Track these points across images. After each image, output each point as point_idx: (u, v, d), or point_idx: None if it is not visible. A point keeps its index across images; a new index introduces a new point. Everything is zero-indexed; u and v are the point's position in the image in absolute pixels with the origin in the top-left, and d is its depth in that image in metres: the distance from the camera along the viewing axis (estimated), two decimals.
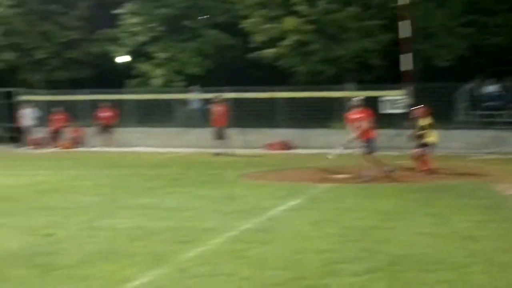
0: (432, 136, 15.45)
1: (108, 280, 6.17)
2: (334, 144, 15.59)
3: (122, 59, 32.32)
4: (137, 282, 6.06)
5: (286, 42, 26.37)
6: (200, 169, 17.11)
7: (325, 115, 23.37)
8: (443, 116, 20.09)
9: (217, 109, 22.30)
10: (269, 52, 26.72)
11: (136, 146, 24.61)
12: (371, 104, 16.35)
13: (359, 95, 16.28)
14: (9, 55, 31.85)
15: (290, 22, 26.04)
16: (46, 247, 7.52)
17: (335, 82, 24.43)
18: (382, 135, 17.21)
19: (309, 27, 26.07)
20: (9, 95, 28.18)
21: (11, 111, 27.50)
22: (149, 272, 6.42)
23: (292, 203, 10.77)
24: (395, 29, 23.74)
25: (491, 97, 24.35)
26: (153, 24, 30.18)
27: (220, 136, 21.93)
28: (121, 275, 6.31)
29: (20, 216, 9.70)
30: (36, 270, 6.50)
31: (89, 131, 26.14)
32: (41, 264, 6.70)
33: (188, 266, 6.63)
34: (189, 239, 7.89)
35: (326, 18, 25.99)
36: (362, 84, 23.19)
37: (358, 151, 14.52)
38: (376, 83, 23.55)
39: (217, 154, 21.09)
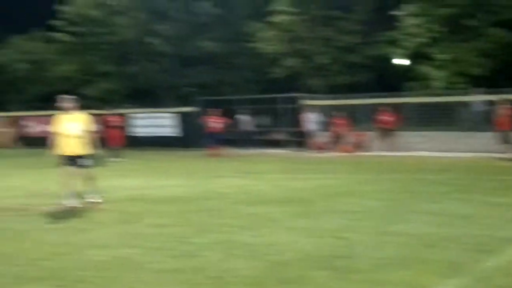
0: None
1: (405, 286, 6.10)
2: None
3: (400, 61, 32.19)
4: None
5: None
6: (487, 175, 16.35)
7: None
8: None
9: (502, 112, 21.25)
10: None
11: (416, 150, 24.26)
12: None
13: None
14: (293, 61, 33.33)
15: None
16: (341, 250, 7.66)
17: None
18: None
19: None
20: (292, 100, 29.35)
21: (295, 115, 28.63)
22: (446, 280, 6.24)
23: None
24: None
25: None
26: (434, 25, 29.61)
27: (506, 140, 20.86)
28: (417, 282, 6.22)
29: (312, 218, 10.01)
30: (334, 273, 6.64)
31: (370, 135, 26.32)
32: (339, 267, 6.83)
33: (487, 276, 6.35)
34: (486, 248, 7.55)
35: None
36: None
37: None
38: None
39: (508, 159, 20.05)
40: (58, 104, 12.14)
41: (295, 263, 7.14)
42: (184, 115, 30.96)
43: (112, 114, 26.19)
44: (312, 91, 31.28)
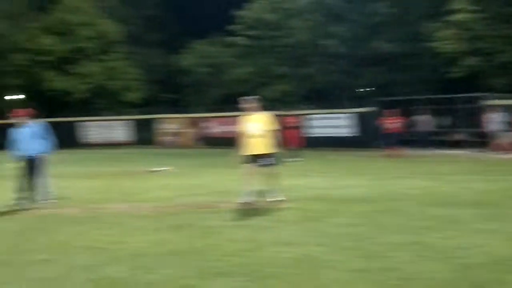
0: None
1: None
2: None
3: None
4: None
5: None
6: None
7: None
8: None
9: None
10: None
11: None
12: None
13: None
14: (472, 60, 32.19)
15: None
16: None
17: None
18: None
19: None
20: (472, 100, 28.36)
21: (475, 115, 27.64)
22: None
23: None
24: None
25: None
26: None
27: None
28: None
29: (501, 221, 9.54)
30: None
31: None
32: None
33: None
34: None
35: None
36: None
37: None
38: None
39: None
40: (240, 105, 12.47)
41: (487, 266, 6.87)
42: (360, 116, 30.84)
43: (289, 115, 26.56)
44: (494, 91, 29.98)
